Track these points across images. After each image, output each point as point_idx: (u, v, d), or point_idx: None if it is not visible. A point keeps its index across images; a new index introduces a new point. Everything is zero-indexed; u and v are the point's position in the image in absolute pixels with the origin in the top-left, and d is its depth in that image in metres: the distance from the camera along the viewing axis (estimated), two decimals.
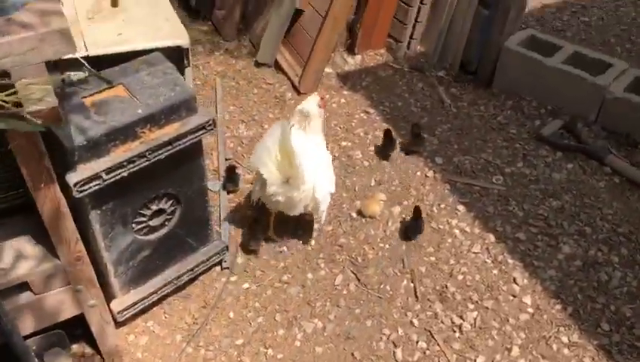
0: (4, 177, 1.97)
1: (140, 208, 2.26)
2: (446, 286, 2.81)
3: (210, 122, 2.20)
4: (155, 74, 2.17)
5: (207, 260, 2.70)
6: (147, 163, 2.08)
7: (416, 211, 3.01)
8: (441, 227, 3.11)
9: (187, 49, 2.34)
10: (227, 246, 2.79)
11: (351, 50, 4.45)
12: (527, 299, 2.75)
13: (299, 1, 4.07)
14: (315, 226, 3.08)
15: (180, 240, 2.55)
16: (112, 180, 2.02)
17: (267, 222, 2.97)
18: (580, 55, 4.01)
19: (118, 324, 2.51)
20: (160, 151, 2.09)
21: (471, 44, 4.19)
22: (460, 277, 2.85)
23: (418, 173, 3.44)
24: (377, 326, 2.65)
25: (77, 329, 2.44)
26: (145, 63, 2.21)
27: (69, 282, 2.17)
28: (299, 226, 3.05)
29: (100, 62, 2.25)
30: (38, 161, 1.77)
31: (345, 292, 2.79)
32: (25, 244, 2.11)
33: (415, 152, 3.57)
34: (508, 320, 2.67)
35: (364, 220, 3.14)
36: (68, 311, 2.26)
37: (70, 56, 1.81)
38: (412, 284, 2.82)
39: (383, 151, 3.55)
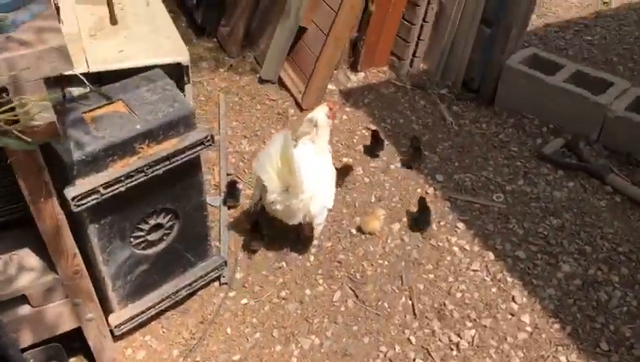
0: (3, 191, 2.00)
1: (138, 223, 2.28)
2: (444, 304, 2.80)
3: (209, 138, 2.22)
4: (155, 90, 2.20)
5: (206, 275, 2.71)
6: (145, 178, 2.10)
7: (422, 202, 3.09)
8: (441, 244, 3.11)
9: (187, 66, 2.38)
10: (226, 262, 2.80)
11: (354, 67, 4.49)
12: (526, 318, 2.73)
13: (302, 19, 4.12)
14: (315, 242, 3.09)
15: (178, 255, 2.56)
16: (109, 195, 2.04)
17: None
18: (582, 74, 4.03)
19: (116, 338, 2.52)
20: (158, 167, 2.11)
21: (473, 62, 4.22)
22: (459, 294, 2.84)
23: (418, 190, 3.44)
24: (374, 344, 2.64)
25: (75, 342, 2.45)
26: (145, 80, 2.24)
27: (67, 295, 2.19)
28: (299, 241, 3.06)
29: (102, 78, 2.30)
30: (36, 176, 1.80)
31: (343, 308, 2.79)
32: (24, 257, 2.14)
33: (415, 165, 3.59)
34: (506, 339, 2.65)
35: (363, 236, 3.14)
36: (66, 325, 2.27)
37: (70, 72, 1.86)
38: (410, 301, 2.82)
39: (371, 150, 3.67)
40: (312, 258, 3.01)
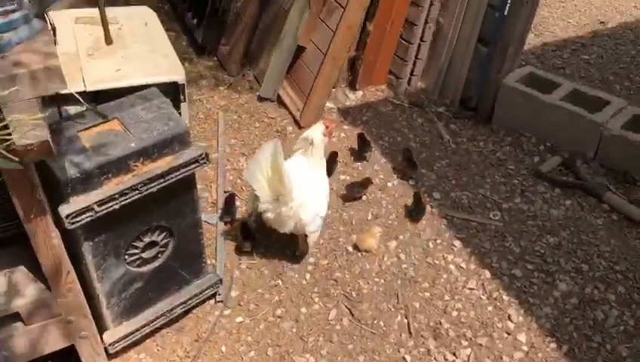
0: None
1: (132, 240, 2.29)
2: (440, 323, 2.79)
3: (203, 156, 2.24)
4: (150, 108, 2.23)
5: (201, 293, 2.70)
6: (139, 196, 2.11)
7: (416, 196, 3.34)
8: (437, 262, 3.10)
9: (183, 85, 2.41)
10: (221, 280, 2.79)
11: (352, 85, 4.53)
12: (522, 337, 2.72)
13: (301, 38, 4.16)
14: (311, 260, 3.09)
15: (173, 273, 2.56)
16: (104, 212, 2.05)
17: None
18: (579, 92, 4.05)
19: (110, 356, 2.51)
20: (152, 185, 2.13)
21: (470, 81, 4.25)
22: (455, 313, 2.83)
23: None
24: None
25: (68, 360, 2.44)
26: (141, 98, 2.26)
27: (60, 313, 2.19)
28: (295, 258, 3.06)
29: (99, 97, 2.32)
30: (30, 194, 1.81)
31: (338, 327, 2.78)
32: (17, 275, 2.15)
33: (410, 177, 3.62)
34: (502, 358, 2.64)
35: (359, 254, 3.14)
36: (59, 342, 2.27)
37: (66, 91, 1.88)
38: (406, 320, 2.81)
39: (359, 153, 3.79)
40: (308, 276, 3.01)
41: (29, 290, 2.12)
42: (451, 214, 3.41)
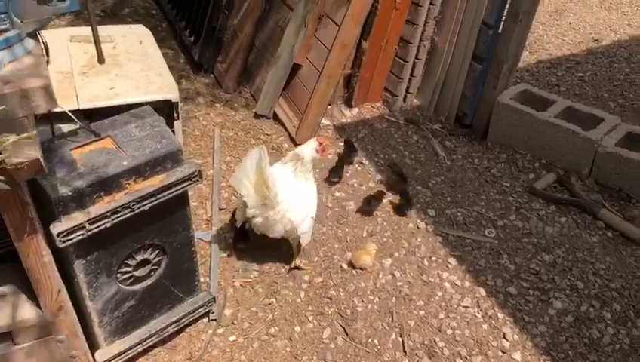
0: None
1: (124, 258, 2.28)
2: (435, 341, 2.77)
3: (196, 174, 2.24)
4: (143, 126, 2.23)
5: (194, 311, 2.69)
6: (131, 214, 2.11)
7: (403, 195, 3.48)
8: (432, 280, 3.09)
9: (176, 103, 2.41)
10: (214, 298, 2.78)
11: (348, 102, 4.55)
12: (517, 356, 2.70)
13: (297, 56, 4.19)
14: (305, 278, 3.07)
15: (166, 291, 2.55)
16: (96, 230, 2.04)
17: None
18: (573, 110, 4.07)
19: None
20: (144, 203, 2.12)
21: (465, 98, 4.27)
22: (449, 331, 2.82)
23: (410, 225, 3.44)
24: None
25: None
26: (134, 116, 2.27)
27: (51, 332, 2.17)
28: (289, 276, 3.05)
29: (93, 115, 2.33)
30: (21, 212, 1.81)
31: (332, 346, 2.76)
32: (8, 293, 2.13)
33: (402, 191, 3.61)
34: None
35: (354, 272, 3.13)
36: None
37: (59, 109, 1.89)
38: (400, 338, 2.79)
39: (346, 157, 3.89)
40: (302, 294, 2.99)
41: (20, 309, 2.10)
42: (446, 231, 3.40)
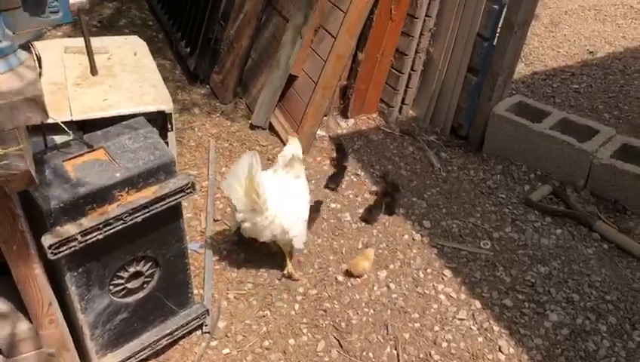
0: None
1: (117, 270, 2.26)
2: (430, 354, 2.75)
3: (189, 185, 2.23)
4: (137, 138, 2.22)
5: (187, 324, 2.66)
6: (124, 225, 2.09)
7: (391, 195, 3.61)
8: (427, 292, 3.08)
9: (170, 114, 2.41)
10: (208, 310, 2.76)
11: (344, 114, 4.55)
12: None
13: (293, 67, 4.19)
14: (300, 290, 3.05)
15: (159, 303, 2.53)
16: (87, 242, 2.03)
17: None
18: (568, 121, 4.07)
19: None
20: (137, 214, 2.11)
21: (461, 110, 4.28)
22: (445, 344, 2.80)
23: (405, 237, 3.43)
24: None
25: None
26: (127, 127, 2.26)
27: (42, 346, 2.15)
28: (284, 288, 3.04)
29: (86, 126, 2.32)
30: (11, 224, 1.79)
31: (327, 359, 2.73)
32: None
33: (396, 199, 3.63)
34: None
35: (349, 284, 3.11)
36: None
37: (52, 121, 1.88)
38: (395, 351, 2.77)
39: (338, 161, 3.98)
40: (296, 306, 2.97)
41: (10, 322, 2.08)
42: (442, 243, 3.39)
